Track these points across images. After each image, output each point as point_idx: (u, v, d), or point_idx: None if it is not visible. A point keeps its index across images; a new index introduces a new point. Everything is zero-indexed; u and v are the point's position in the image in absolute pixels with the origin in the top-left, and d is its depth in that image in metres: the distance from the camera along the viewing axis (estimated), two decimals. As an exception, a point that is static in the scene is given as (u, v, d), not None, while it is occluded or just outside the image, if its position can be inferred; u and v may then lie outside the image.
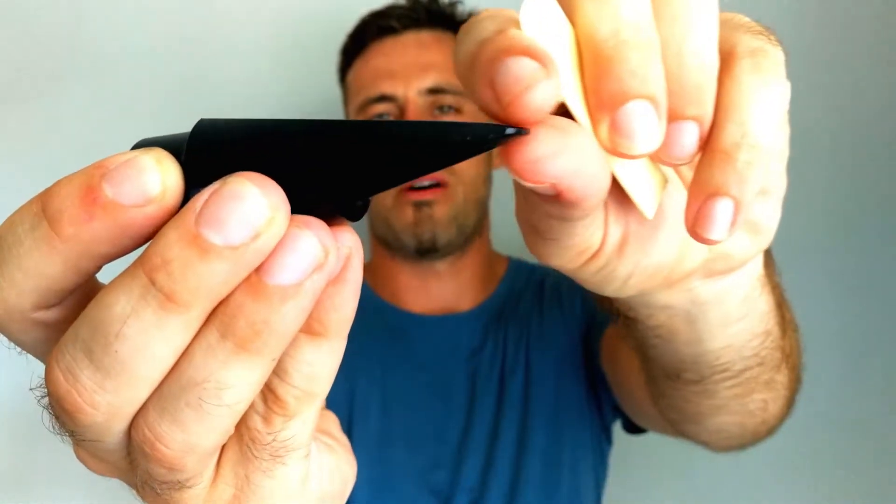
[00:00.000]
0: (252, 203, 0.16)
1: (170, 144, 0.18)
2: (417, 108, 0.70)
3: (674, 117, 0.18)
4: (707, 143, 0.19)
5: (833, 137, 0.95)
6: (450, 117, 0.71)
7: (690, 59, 0.19)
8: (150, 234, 0.17)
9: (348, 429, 0.68)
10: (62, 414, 0.18)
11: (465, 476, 0.67)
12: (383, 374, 0.70)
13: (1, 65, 0.92)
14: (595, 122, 0.18)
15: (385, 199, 0.71)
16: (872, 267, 0.95)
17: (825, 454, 0.93)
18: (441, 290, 0.75)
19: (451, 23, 0.76)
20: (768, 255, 0.33)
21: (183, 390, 0.17)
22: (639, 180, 0.20)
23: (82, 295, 0.19)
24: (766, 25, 0.21)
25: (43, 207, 0.17)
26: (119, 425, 0.18)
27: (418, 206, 0.69)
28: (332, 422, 0.26)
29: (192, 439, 0.18)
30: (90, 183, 0.17)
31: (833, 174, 0.95)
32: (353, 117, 0.75)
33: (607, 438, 0.72)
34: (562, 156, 0.17)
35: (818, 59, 0.95)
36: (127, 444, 0.19)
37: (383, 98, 0.71)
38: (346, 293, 0.18)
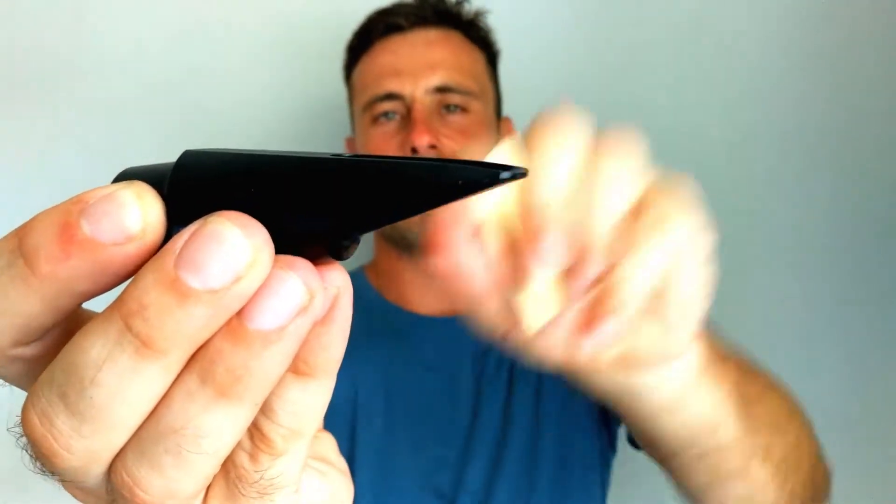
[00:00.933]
0: (233, 245, 0.15)
1: (153, 176, 0.17)
2: (424, 106, 0.70)
3: (578, 265, 0.24)
4: (602, 276, 0.24)
5: (834, 137, 0.95)
6: (456, 116, 0.71)
7: (599, 220, 0.24)
8: (132, 272, 0.16)
9: (352, 430, 0.68)
10: (40, 456, 0.17)
11: (469, 478, 0.67)
12: (388, 375, 0.70)
13: (1, 64, 0.92)
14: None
15: None
16: (873, 267, 0.94)
17: (826, 454, 0.93)
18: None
19: (457, 21, 0.75)
20: (719, 353, 0.36)
21: (162, 436, 0.17)
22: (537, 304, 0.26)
23: (63, 329, 0.19)
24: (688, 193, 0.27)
25: (19, 243, 0.16)
26: (97, 469, 0.18)
27: None
28: (329, 445, 0.25)
29: (171, 485, 0.17)
30: (68, 219, 0.16)
31: (833, 174, 0.95)
32: (359, 115, 0.74)
33: (612, 446, 0.72)
34: None
35: (818, 59, 0.95)
36: (107, 484, 0.18)
37: (390, 96, 0.71)
38: (335, 333, 0.18)
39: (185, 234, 0.16)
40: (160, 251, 0.16)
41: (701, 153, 0.95)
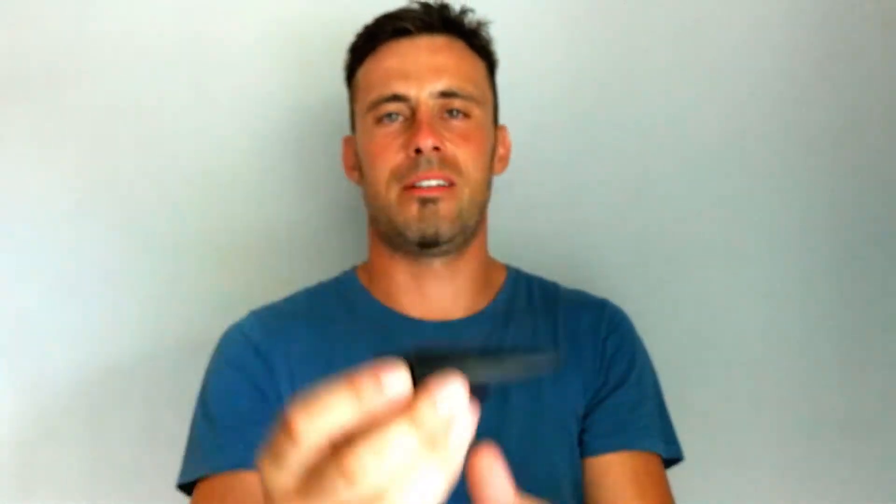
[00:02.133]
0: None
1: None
2: (429, 109, 0.71)
3: None
4: None
5: (834, 137, 0.97)
6: (458, 121, 0.73)
7: None
8: None
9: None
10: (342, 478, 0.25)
11: (460, 483, 0.67)
12: None
13: (1, 64, 0.91)
14: None
15: (389, 194, 0.71)
16: (873, 267, 0.96)
17: (826, 454, 0.94)
18: (438, 293, 0.75)
19: (461, 30, 0.77)
20: None
21: None
22: None
23: None
24: None
25: None
26: None
27: (424, 202, 0.70)
28: None
29: None
30: None
31: (834, 174, 0.97)
32: (361, 115, 0.75)
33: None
34: None
35: (819, 58, 0.97)
36: None
37: (396, 98, 0.72)
38: None
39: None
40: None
41: (702, 153, 0.97)
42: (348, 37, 0.79)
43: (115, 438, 0.89)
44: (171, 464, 0.68)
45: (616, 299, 0.81)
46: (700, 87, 0.97)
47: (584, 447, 0.73)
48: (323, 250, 0.94)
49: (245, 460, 0.63)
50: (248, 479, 0.63)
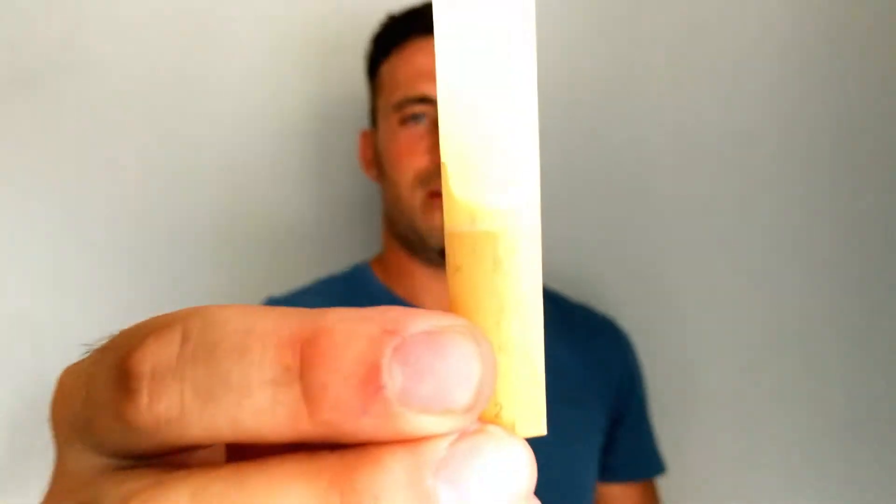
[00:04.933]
0: (513, 478, 0.12)
1: None
2: None
3: None
4: None
5: (835, 138, 0.96)
6: None
7: None
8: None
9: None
10: None
11: None
12: None
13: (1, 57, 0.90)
14: None
15: (413, 199, 0.70)
16: (874, 266, 0.95)
17: (827, 455, 0.94)
18: None
19: None
20: None
21: None
22: None
23: None
24: None
25: (302, 368, 0.12)
26: None
27: None
28: None
29: None
30: (376, 360, 0.12)
31: (834, 174, 0.96)
32: (386, 112, 0.73)
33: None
34: None
35: (819, 58, 0.96)
36: None
37: (423, 99, 0.70)
38: None
39: (465, 438, 0.12)
40: (423, 443, 0.12)
41: (702, 154, 0.96)
42: (367, 28, 0.78)
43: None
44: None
45: (616, 300, 0.83)
46: (700, 88, 0.96)
47: (601, 473, 0.76)
48: (334, 245, 0.93)
49: None
50: None
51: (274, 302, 0.72)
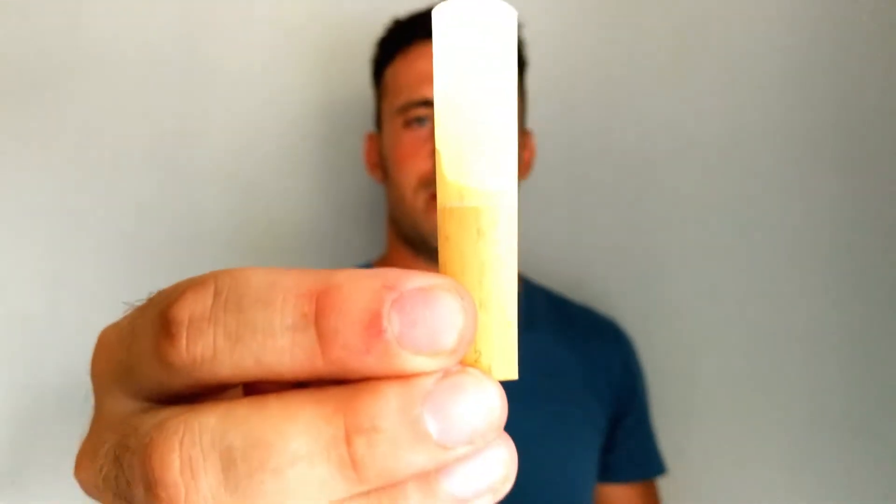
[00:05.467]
0: (488, 411, 0.15)
1: None
2: None
3: None
4: None
5: (836, 138, 0.96)
6: None
7: None
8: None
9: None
10: (147, 494, 0.15)
11: None
12: None
13: (0, 63, 0.91)
14: None
15: (416, 201, 0.71)
16: (874, 266, 0.96)
17: (827, 455, 0.94)
18: None
19: None
20: None
21: None
22: None
23: None
24: None
25: (317, 313, 0.14)
26: None
27: None
28: None
29: None
30: (378, 308, 0.14)
31: (835, 174, 0.96)
32: (390, 115, 0.74)
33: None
34: None
35: (819, 58, 0.96)
36: None
37: (427, 103, 0.71)
38: None
39: (449, 377, 0.15)
40: (416, 378, 0.14)
41: (702, 154, 0.96)
42: (373, 32, 0.78)
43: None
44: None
45: (616, 300, 0.81)
46: (701, 88, 0.97)
47: (601, 474, 0.76)
48: (338, 246, 0.94)
49: None
50: None
51: None
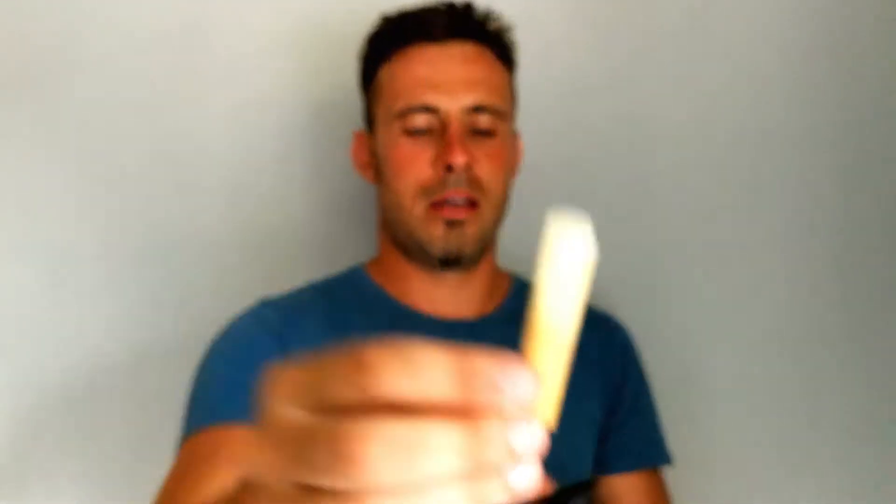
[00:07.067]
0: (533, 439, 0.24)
1: None
2: (461, 124, 0.70)
3: None
4: None
5: (837, 138, 0.97)
6: (485, 138, 0.72)
7: None
8: None
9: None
10: (338, 459, 0.21)
11: None
12: None
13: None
14: None
15: (415, 209, 0.71)
16: (874, 266, 0.97)
17: (827, 455, 0.95)
18: (452, 297, 0.76)
19: (489, 37, 0.75)
20: None
21: None
22: None
23: None
24: None
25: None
26: None
27: (451, 224, 0.70)
28: None
29: None
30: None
31: (835, 174, 0.97)
32: (386, 119, 0.73)
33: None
34: None
35: (820, 59, 0.98)
36: None
37: (426, 109, 0.71)
38: None
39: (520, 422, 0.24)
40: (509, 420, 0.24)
41: (702, 154, 0.97)
42: (364, 29, 0.77)
43: (109, 439, 0.88)
44: (166, 465, 0.67)
45: (617, 301, 0.82)
46: (702, 88, 0.97)
47: (604, 465, 0.77)
48: (330, 247, 0.94)
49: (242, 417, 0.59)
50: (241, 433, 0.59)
51: (268, 303, 0.73)
